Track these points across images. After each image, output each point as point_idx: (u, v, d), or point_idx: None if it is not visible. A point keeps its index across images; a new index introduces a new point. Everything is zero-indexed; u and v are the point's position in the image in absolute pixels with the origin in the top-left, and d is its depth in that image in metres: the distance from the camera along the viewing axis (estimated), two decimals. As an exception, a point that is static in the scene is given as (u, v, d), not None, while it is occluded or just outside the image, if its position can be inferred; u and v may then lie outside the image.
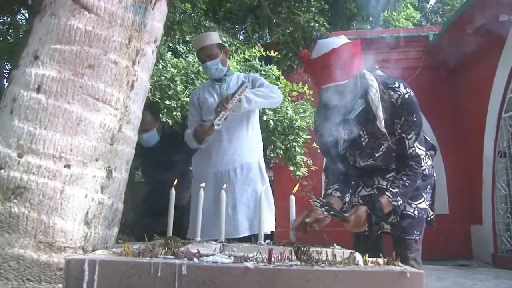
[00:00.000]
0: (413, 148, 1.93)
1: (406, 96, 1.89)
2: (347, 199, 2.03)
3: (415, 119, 1.91)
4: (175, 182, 1.73)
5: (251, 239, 1.93)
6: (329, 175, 2.10)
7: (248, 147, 2.71)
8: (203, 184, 1.79)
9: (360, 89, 1.85)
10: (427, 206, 2.10)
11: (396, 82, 1.93)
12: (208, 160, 2.71)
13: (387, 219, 2.03)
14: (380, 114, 1.87)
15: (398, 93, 1.90)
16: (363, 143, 2.00)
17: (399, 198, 1.89)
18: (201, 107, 2.81)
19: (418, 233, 2.03)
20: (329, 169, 2.10)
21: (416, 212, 2.04)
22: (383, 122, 1.88)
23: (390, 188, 1.92)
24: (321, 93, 1.91)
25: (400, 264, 1.31)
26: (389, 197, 1.89)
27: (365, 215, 1.85)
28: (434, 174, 2.19)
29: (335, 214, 1.79)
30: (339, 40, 1.83)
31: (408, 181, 1.91)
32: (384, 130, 1.90)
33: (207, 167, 2.71)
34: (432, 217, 2.18)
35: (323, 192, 2.09)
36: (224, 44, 2.74)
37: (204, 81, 4.11)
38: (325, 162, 2.15)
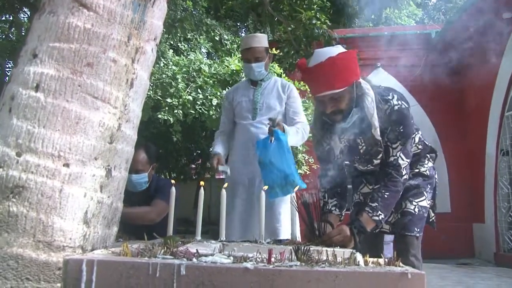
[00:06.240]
0: (396, 157, 1.91)
1: (396, 107, 1.89)
2: (343, 215, 2.05)
3: (402, 130, 1.90)
4: (174, 181, 1.72)
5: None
6: (326, 185, 2.07)
7: None
8: (202, 183, 1.78)
9: (356, 98, 1.86)
10: (428, 205, 2.10)
11: (390, 94, 1.93)
12: (239, 167, 2.75)
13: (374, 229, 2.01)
14: (375, 122, 1.87)
15: (389, 104, 1.90)
16: (361, 151, 2.01)
17: (379, 212, 1.85)
18: (233, 109, 2.86)
19: (418, 230, 2.04)
20: (326, 178, 2.07)
21: (416, 210, 2.05)
22: (378, 130, 1.88)
23: (369, 203, 1.89)
24: (317, 101, 1.92)
25: (401, 264, 1.29)
26: (369, 212, 1.86)
27: (349, 232, 1.81)
28: (436, 176, 2.18)
29: (311, 228, 1.85)
30: (335, 49, 1.85)
31: (387, 193, 1.88)
32: (379, 138, 1.89)
33: (236, 173, 2.73)
34: (433, 218, 2.18)
35: (320, 194, 2.06)
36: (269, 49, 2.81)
37: (206, 78, 4.11)
38: (320, 170, 2.14)
